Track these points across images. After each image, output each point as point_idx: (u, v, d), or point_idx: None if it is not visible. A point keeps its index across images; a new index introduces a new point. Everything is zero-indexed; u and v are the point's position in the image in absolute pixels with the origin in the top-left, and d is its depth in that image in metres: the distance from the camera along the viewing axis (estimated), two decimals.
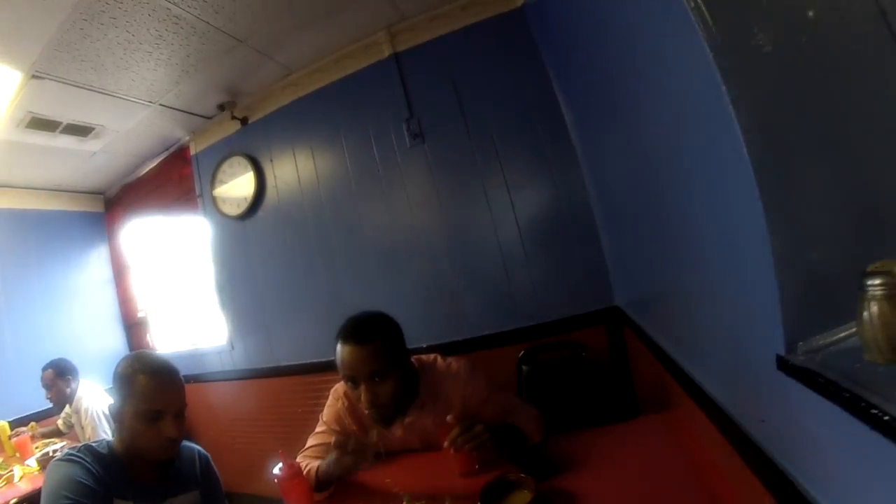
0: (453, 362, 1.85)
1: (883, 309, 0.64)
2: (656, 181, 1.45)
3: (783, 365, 0.82)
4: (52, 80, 2.67)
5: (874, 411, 0.59)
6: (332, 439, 1.72)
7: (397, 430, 1.81)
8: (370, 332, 1.64)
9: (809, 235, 0.79)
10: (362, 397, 1.62)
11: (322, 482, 1.63)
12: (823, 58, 0.78)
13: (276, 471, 1.59)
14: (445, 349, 2.00)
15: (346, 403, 1.85)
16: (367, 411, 1.69)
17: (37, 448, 3.11)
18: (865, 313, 0.66)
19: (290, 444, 1.79)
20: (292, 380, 3.55)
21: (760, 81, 0.79)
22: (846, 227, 0.79)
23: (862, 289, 0.66)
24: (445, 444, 1.55)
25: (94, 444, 1.43)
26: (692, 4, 0.82)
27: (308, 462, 1.76)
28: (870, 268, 0.66)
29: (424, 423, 1.77)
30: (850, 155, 0.79)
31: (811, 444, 0.83)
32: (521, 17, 2.86)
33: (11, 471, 2.81)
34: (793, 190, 0.78)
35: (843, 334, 0.77)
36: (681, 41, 0.90)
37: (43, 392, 3.20)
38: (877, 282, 0.64)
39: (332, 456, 1.56)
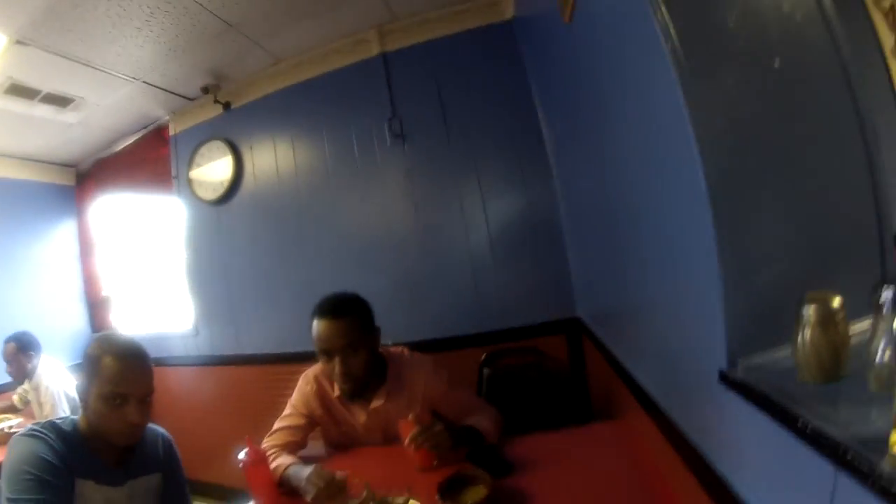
0: (419, 356, 1.97)
1: (815, 334, 0.70)
2: (619, 200, 1.53)
3: (724, 378, 0.88)
4: (36, 47, 2.62)
5: (800, 423, 0.65)
6: (299, 421, 1.85)
7: (361, 416, 1.87)
8: (345, 308, 1.76)
9: (757, 260, 0.85)
10: (336, 369, 1.72)
11: (284, 484, 1.66)
12: (785, 100, 0.85)
13: (241, 456, 1.62)
14: (410, 347, 2.05)
15: (314, 388, 1.91)
16: (339, 384, 1.78)
17: None
18: (799, 337, 0.72)
19: (252, 431, 1.79)
20: (257, 369, 3.54)
21: (723, 117, 0.86)
22: (793, 255, 0.86)
23: (798, 314, 0.72)
24: (406, 441, 1.61)
25: (58, 422, 1.40)
26: (669, 44, 0.88)
27: (275, 450, 1.79)
28: (807, 295, 0.72)
29: (388, 410, 1.83)
30: (803, 189, 0.86)
31: (747, 452, 0.89)
32: (509, 30, 2.93)
33: None
34: (745, 218, 0.85)
35: (780, 355, 0.82)
36: (655, 74, 0.96)
37: (3, 365, 3.13)
38: (811, 309, 0.71)
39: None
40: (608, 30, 1.33)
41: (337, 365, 1.72)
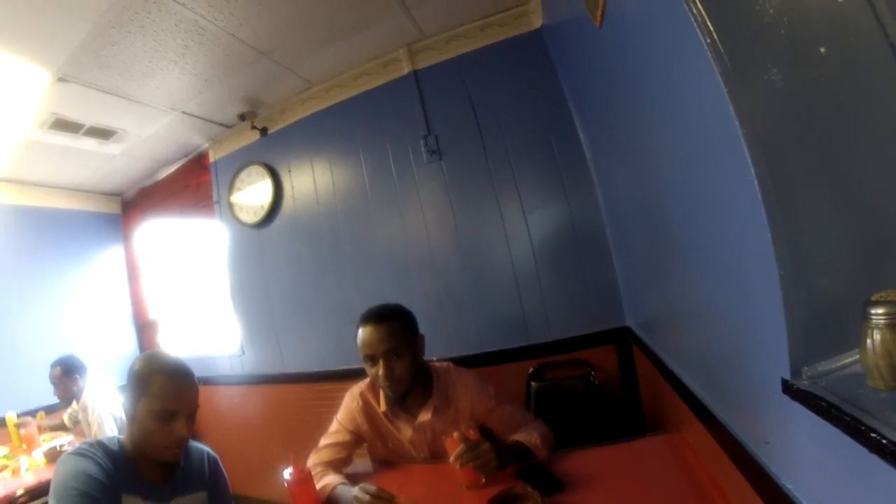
0: (464, 371, 1.98)
1: (885, 337, 0.66)
2: (667, 205, 1.49)
3: (788, 388, 0.84)
4: (77, 83, 2.73)
5: (874, 435, 0.61)
6: (346, 438, 1.89)
7: (407, 431, 1.88)
8: (388, 314, 1.82)
9: (816, 263, 0.81)
10: (380, 373, 1.75)
11: (330, 503, 1.68)
12: (833, 92, 0.81)
13: (286, 475, 1.63)
14: (455, 363, 2.04)
15: (360, 403, 1.94)
16: (384, 387, 1.81)
17: (44, 440, 3.13)
18: (868, 341, 0.68)
19: (297, 450, 1.81)
20: (300, 387, 3.58)
21: (771, 114, 0.82)
22: (853, 256, 0.81)
23: (866, 317, 0.68)
24: (451, 459, 1.60)
25: (104, 441, 1.44)
26: (708, 40, 0.86)
27: (322, 468, 1.82)
28: (874, 297, 0.68)
29: (435, 424, 1.85)
30: (858, 186, 0.82)
31: (814, 466, 0.85)
32: (538, 39, 2.91)
33: (18, 461, 2.82)
34: (800, 219, 0.81)
35: (847, 360, 0.79)
36: (695, 72, 0.94)
37: (51, 388, 3.23)
38: (880, 311, 0.67)
39: (354, 499, 1.57)
40: (642, 30, 1.30)
41: (381, 368, 1.75)
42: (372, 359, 1.78)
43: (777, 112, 0.83)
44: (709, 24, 0.86)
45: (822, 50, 0.81)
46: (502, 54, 2.97)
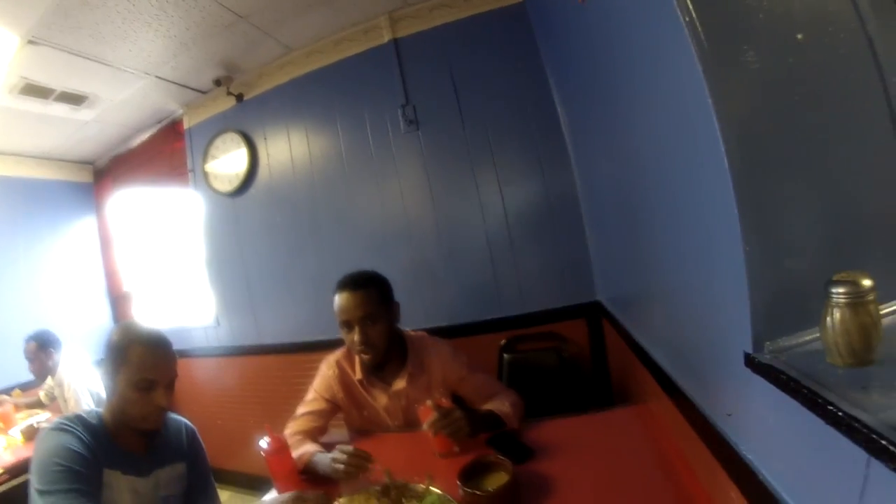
0: (438, 340, 2.02)
1: (844, 316, 0.68)
2: (641, 182, 1.51)
3: (750, 362, 0.86)
4: (48, 46, 2.64)
5: (831, 408, 0.63)
6: (322, 406, 1.92)
7: (382, 399, 1.92)
8: (363, 281, 1.85)
9: (782, 243, 0.83)
10: (355, 338, 1.78)
11: (309, 471, 1.69)
12: (808, 78, 0.83)
13: (262, 444, 1.64)
14: (429, 334, 2.07)
15: (336, 372, 1.97)
16: (359, 353, 1.84)
17: (20, 419, 3.11)
18: (828, 319, 0.70)
19: (274, 421, 1.83)
20: (277, 358, 3.58)
21: (746, 96, 0.83)
22: (820, 237, 0.83)
23: (827, 296, 0.70)
24: (425, 426, 1.63)
25: (83, 414, 1.44)
26: (687, 19, 0.86)
27: (299, 436, 1.84)
28: (835, 276, 0.70)
29: (409, 392, 1.89)
30: (828, 169, 0.83)
31: (773, 437, 0.88)
32: (521, 12, 2.88)
33: None
34: (769, 199, 0.83)
35: (808, 337, 0.81)
36: (673, 52, 0.94)
37: (26, 363, 3.19)
38: (840, 290, 0.68)
39: (332, 461, 1.59)
40: (624, 8, 1.30)
41: (356, 334, 1.78)
42: (348, 324, 1.80)
43: (752, 95, 0.84)
44: (688, 2, 0.86)
45: (800, 36, 0.82)
46: (485, 26, 2.94)
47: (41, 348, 3.16)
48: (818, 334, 0.75)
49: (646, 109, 1.31)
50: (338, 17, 3.05)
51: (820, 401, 0.66)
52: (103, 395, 3.06)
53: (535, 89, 2.84)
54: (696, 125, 0.93)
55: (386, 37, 3.10)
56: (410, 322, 2.08)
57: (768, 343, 0.85)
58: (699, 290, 1.17)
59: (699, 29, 0.85)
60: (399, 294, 1.96)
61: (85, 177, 4.69)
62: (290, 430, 1.89)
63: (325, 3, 2.86)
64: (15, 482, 2.48)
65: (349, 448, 1.58)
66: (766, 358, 0.83)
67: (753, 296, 0.84)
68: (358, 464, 1.54)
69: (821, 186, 0.84)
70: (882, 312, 0.71)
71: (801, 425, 0.72)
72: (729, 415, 1.06)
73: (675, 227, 1.26)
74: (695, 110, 0.91)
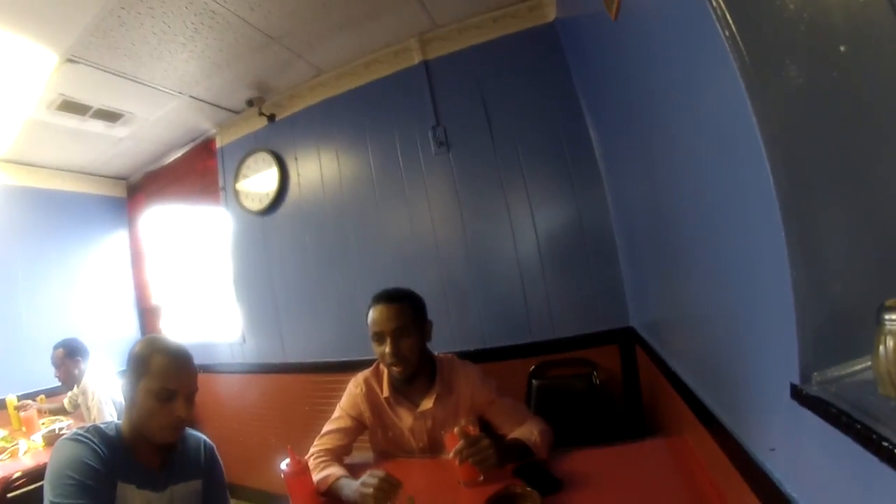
0: (468, 363, 2.00)
1: None
2: (678, 204, 1.46)
3: (797, 394, 0.82)
4: (86, 64, 2.72)
5: (885, 444, 0.59)
6: (348, 424, 1.91)
7: (408, 419, 1.91)
8: (399, 295, 1.87)
9: (830, 268, 0.79)
10: (387, 350, 1.79)
11: (331, 494, 1.67)
12: (853, 93, 0.78)
13: (283, 466, 1.62)
14: (459, 357, 2.04)
15: (363, 390, 1.97)
16: (389, 366, 1.83)
17: (43, 424, 3.13)
18: (881, 347, 0.65)
19: (295, 440, 1.81)
20: (301, 377, 3.58)
21: (790, 113, 0.79)
22: (868, 262, 0.78)
23: (879, 322, 0.66)
24: (451, 454, 1.59)
25: (102, 426, 1.45)
26: (727, 33, 0.83)
27: (324, 456, 1.83)
28: (888, 302, 0.66)
29: (436, 414, 1.87)
30: (876, 191, 0.79)
31: (821, 474, 0.82)
32: (552, 32, 2.87)
33: (17, 444, 2.83)
34: (816, 223, 0.79)
35: (858, 367, 0.76)
36: (713, 68, 0.91)
37: (53, 370, 3.24)
38: (893, 316, 0.64)
39: (361, 485, 1.55)
40: (659, 24, 1.27)
41: (388, 346, 1.78)
42: (380, 336, 1.81)
43: (796, 112, 0.80)
44: (728, 17, 0.83)
45: (843, 49, 0.78)
46: (514, 47, 2.94)
47: (68, 356, 3.20)
48: (869, 363, 0.71)
49: (684, 128, 1.27)
50: (368, 39, 3.08)
51: (874, 436, 0.61)
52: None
53: (567, 110, 2.81)
54: (738, 145, 0.89)
55: (416, 58, 3.13)
56: (439, 345, 2.06)
57: (816, 374, 0.80)
58: (741, 318, 1.11)
59: (740, 43, 0.81)
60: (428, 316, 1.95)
61: (118, 191, 4.82)
62: (316, 447, 1.88)
63: (355, 26, 2.89)
64: (32, 487, 2.49)
65: (380, 473, 1.54)
66: (814, 390, 0.78)
67: (801, 324, 0.80)
68: (388, 490, 1.50)
69: (870, 207, 0.79)
70: None
71: (852, 462, 0.67)
72: (772, 449, 1.00)
73: (716, 251, 1.21)
74: (737, 129, 0.87)
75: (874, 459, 0.60)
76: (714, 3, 0.84)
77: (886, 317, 0.65)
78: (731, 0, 0.83)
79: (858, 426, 0.64)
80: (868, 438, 0.62)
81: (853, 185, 0.79)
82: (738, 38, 0.82)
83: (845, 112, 0.78)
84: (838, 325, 0.79)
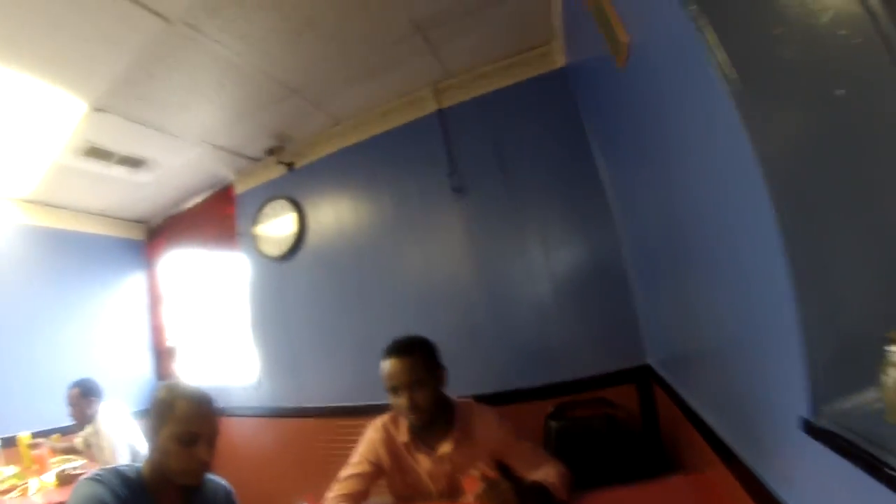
0: (486, 407, 1.99)
1: None
2: (687, 242, 1.49)
3: (808, 427, 0.84)
4: (113, 114, 2.83)
5: (892, 472, 0.61)
6: (366, 469, 1.91)
7: (426, 463, 1.89)
8: (411, 347, 1.87)
9: (837, 301, 0.81)
10: (404, 403, 1.79)
11: None
12: (852, 132, 0.81)
13: None
14: (475, 400, 2.05)
15: (382, 435, 1.96)
16: (407, 416, 1.84)
17: (54, 463, 3.12)
18: (887, 378, 0.68)
19: (310, 485, 1.82)
20: (318, 422, 3.56)
21: (791, 153, 0.83)
22: (875, 293, 0.80)
23: (884, 353, 0.68)
24: (471, 498, 1.59)
25: (123, 468, 1.45)
26: (726, 80, 0.88)
27: (341, 502, 1.83)
28: (891, 333, 0.68)
29: (454, 458, 1.85)
30: (881, 222, 0.81)
31: None
32: (562, 78, 2.96)
33: (27, 483, 2.80)
34: (821, 254, 0.81)
35: (867, 397, 0.77)
36: (715, 114, 0.96)
37: (67, 409, 3.25)
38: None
39: None
40: (664, 73, 1.32)
41: (404, 399, 1.78)
42: (395, 390, 1.81)
43: (797, 153, 0.83)
44: (728, 69, 0.87)
45: (841, 92, 0.82)
46: (526, 93, 3.04)
47: (83, 395, 3.22)
48: (877, 394, 0.72)
49: (690, 169, 1.31)
50: (384, 89, 3.19)
51: (883, 466, 0.63)
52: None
53: (578, 153, 2.87)
54: (741, 185, 0.93)
55: (431, 107, 3.22)
56: (456, 388, 2.06)
57: (825, 406, 0.82)
58: (750, 353, 1.14)
59: (742, 93, 0.86)
60: (444, 359, 1.95)
61: (138, 234, 4.90)
62: (334, 492, 1.88)
63: (371, 77, 3.00)
64: None
65: None
66: (823, 423, 0.81)
67: (809, 356, 0.82)
68: None
69: (873, 239, 0.81)
70: None
71: (865, 493, 0.69)
72: (788, 482, 1.02)
73: (725, 287, 1.24)
74: (739, 171, 0.91)
75: (885, 490, 0.62)
76: (715, 55, 0.89)
77: (889, 349, 0.67)
78: (732, 51, 0.88)
79: (867, 457, 0.66)
80: (877, 469, 0.64)
81: (857, 217, 0.81)
82: (738, 82, 0.86)
83: (845, 148, 0.81)
84: (846, 356, 0.80)
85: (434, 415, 1.85)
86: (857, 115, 0.82)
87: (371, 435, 1.99)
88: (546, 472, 1.75)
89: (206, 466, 1.48)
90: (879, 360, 0.69)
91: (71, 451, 3.46)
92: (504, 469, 1.87)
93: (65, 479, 2.84)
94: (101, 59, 2.36)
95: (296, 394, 3.72)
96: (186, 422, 1.42)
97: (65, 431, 3.60)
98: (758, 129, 0.85)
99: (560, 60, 2.99)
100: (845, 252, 0.82)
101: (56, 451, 3.38)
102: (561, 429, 2.64)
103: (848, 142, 0.82)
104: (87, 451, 3.40)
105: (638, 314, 2.70)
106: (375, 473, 1.94)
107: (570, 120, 2.91)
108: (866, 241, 0.82)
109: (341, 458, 2.02)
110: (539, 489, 1.68)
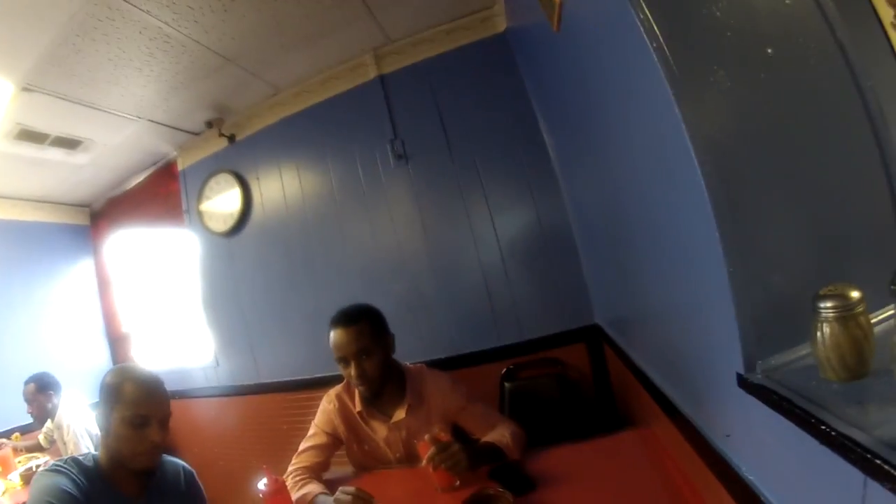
0: (437, 371, 2.02)
1: (834, 330, 0.67)
2: (624, 207, 1.52)
3: (742, 383, 0.85)
4: (42, 93, 2.69)
5: (823, 427, 0.62)
6: (324, 440, 1.93)
7: (382, 430, 1.92)
8: (356, 316, 1.86)
9: (767, 260, 0.83)
10: (352, 373, 1.80)
11: None
12: (782, 91, 0.83)
13: (260, 486, 1.62)
14: (428, 366, 2.06)
15: (336, 405, 1.98)
16: (357, 386, 1.86)
17: (19, 463, 3.04)
18: (818, 334, 0.69)
19: (274, 460, 1.81)
20: (276, 397, 3.54)
21: (719, 115, 0.84)
22: (804, 252, 0.83)
23: (815, 311, 0.69)
24: (424, 461, 1.61)
25: (79, 457, 1.44)
26: (654, 44, 0.87)
27: (302, 474, 1.84)
28: (822, 291, 0.69)
29: (409, 424, 1.88)
30: (808, 182, 0.83)
31: (772, 457, 0.86)
32: (503, 42, 2.94)
33: None
34: (749, 217, 0.83)
35: (801, 353, 0.80)
36: (644, 76, 0.95)
37: (25, 406, 3.16)
38: (828, 304, 0.68)
39: (333, 502, 1.58)
40: (595, 36, 1.32)
41: (353, 369, 1.79)
42: (344, 360, 1.82)
43: (725, 114, 0.84)
44: (655, 28, 0.87)
45: (770, 51, 0.82)
46: (468, 58, 3.00)
47: (40, 391, 3.14)
48: (810, 349, 0.74)
49: (622, 135, 1.32)
50: (323, 56, 3.10)
51: (813, 420, 0.64)
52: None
53: (522, 118, 2.87)
54: (670, 148, 0.93)
55: (372, 73, 3.16)
56: (408, 355, 2.07)
57: (760, 362, 0.84)
58: (689, 313, 1.16)
59: (667, 53, 0.86)
60: (395, 327, 1.95)
61: (82, 219, 4.71)
62: (294, 465, 1.89)
63: (309, 43, 2.91)
64: None
65: (351, 489, 1.56)
66: (757, 378, 0.82)
67: (741, 316, 0.84)
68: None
69: (802, 200, 0.84)
70: (873, 321, 0.70)
71: (797, 445, 0.71)
72: (728, 436, 1.04)
73: (660, 250, 1.26)
74: (668, 134, 0.91)
75: (818, 444, 0.63)
76: (642, 16, 0.88)
77: (821, 305, 0.68)
78: (658, 11, 0.87)
79: (799, 411, 0.68)
80: (808, 423, 0.65)
81: (786, 179, 0.83)
82: (665, 47, 0.86)
83: (776, 110, 0.83)
84: (779, 314, 0.83)
85: (384, 382, 1.86)
86: (787, 73, 0.83)
87: (325, 406, 2.00)
88: (499, 433, 1.78)
89: (159, 448, 1.47)
90: (812, 318, 0.70)
91: (35, 448, 3.40)
92: (458, 432, 1.91)
93: (30, 479, 2.76)
94: (23, 36, 2.23)
95: (253, 371, 3.69)
96: (135, 405, 1.40)
97: (25, 430, 3.52)
98: (685, 90, 0.85)
99: (501, 24, 2.95)
100: (775, 214, 0.83)
101: (19, 451, 3.30)
102: (514, 389, 2.69)
103: (778, 100, 0.83)
104: (51, 447, 3.34)
105: (585, 275, 2.74)
106: (333, 444, 1.97)
107: (513, 85, 2.90)
108: (796, 203, 0.84)
109: (302, 430, 2.03)
110: (491, 449, 1.72)
